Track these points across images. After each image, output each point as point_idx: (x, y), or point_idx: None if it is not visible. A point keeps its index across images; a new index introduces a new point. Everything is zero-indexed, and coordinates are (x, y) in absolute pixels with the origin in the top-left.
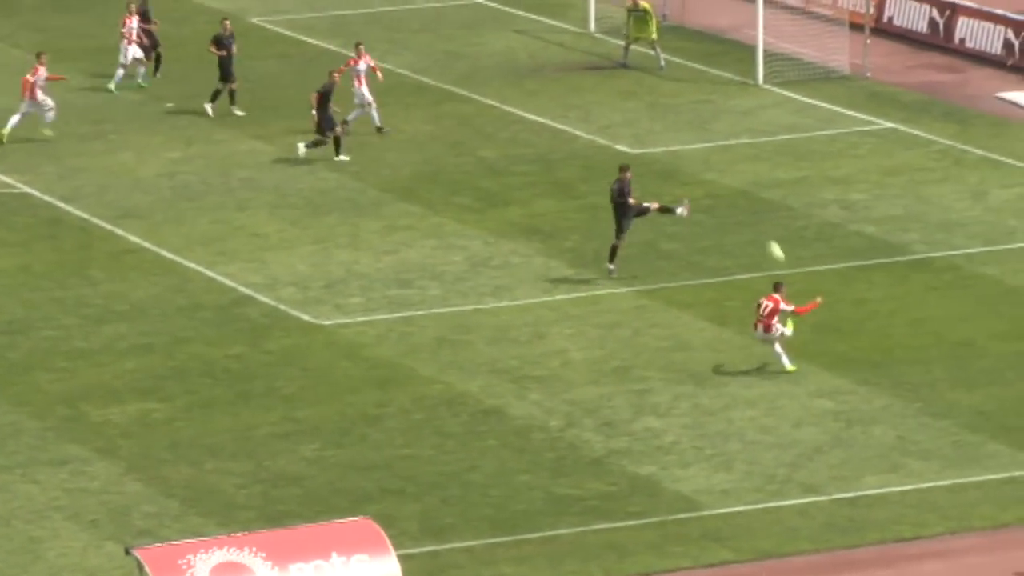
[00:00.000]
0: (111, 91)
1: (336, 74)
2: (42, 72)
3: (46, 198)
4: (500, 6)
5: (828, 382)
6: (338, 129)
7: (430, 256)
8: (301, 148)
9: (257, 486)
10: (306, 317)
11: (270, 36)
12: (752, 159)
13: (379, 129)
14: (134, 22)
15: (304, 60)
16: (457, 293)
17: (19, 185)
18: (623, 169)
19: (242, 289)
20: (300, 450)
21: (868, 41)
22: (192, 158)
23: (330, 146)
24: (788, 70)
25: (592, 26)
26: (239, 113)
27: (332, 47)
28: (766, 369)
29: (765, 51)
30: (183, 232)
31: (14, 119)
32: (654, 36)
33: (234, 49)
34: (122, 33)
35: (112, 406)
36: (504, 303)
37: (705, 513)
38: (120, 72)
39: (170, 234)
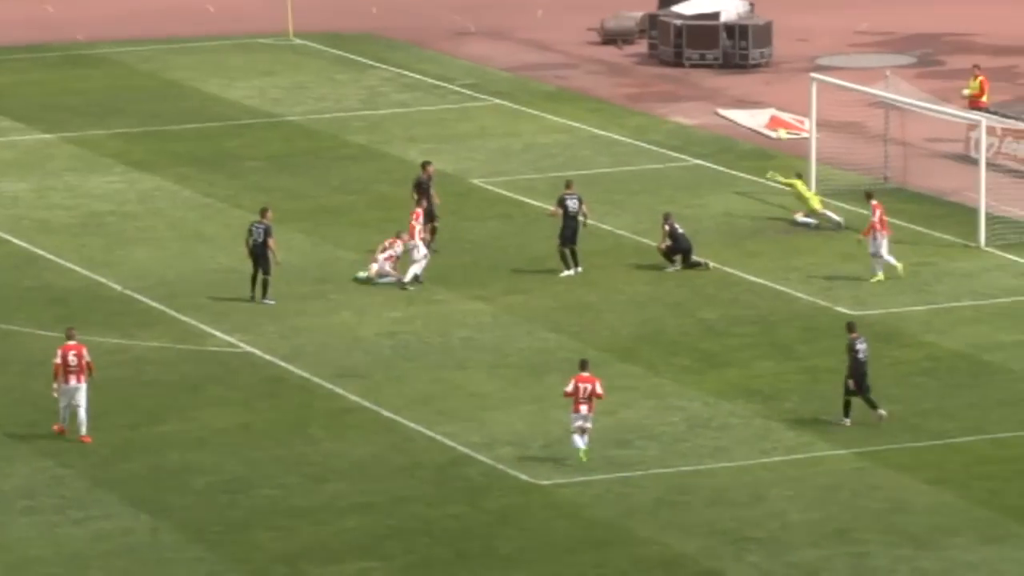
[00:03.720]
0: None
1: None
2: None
3: (267, 357)
4: (721, 167)
5: None
6: None
7: (649, 416)
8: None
9: None
10: (524, 477)
11: (491, 197)
12: (973, 322)
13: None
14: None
15: (525, 221)
16: (676, 454)
17: (241, 344)
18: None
19: (461, 448)
20: None
21: None
22: (412, 318)
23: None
24: (1010, 233)
25: (813, 187)
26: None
27: (553, 207)
28: (988, 533)
29: (987, 214)
30: (403, 391)
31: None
32: (812, 207)
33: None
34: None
35: (331, 565)
36: (723, 464)
37: None
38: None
39: (390, 393)
